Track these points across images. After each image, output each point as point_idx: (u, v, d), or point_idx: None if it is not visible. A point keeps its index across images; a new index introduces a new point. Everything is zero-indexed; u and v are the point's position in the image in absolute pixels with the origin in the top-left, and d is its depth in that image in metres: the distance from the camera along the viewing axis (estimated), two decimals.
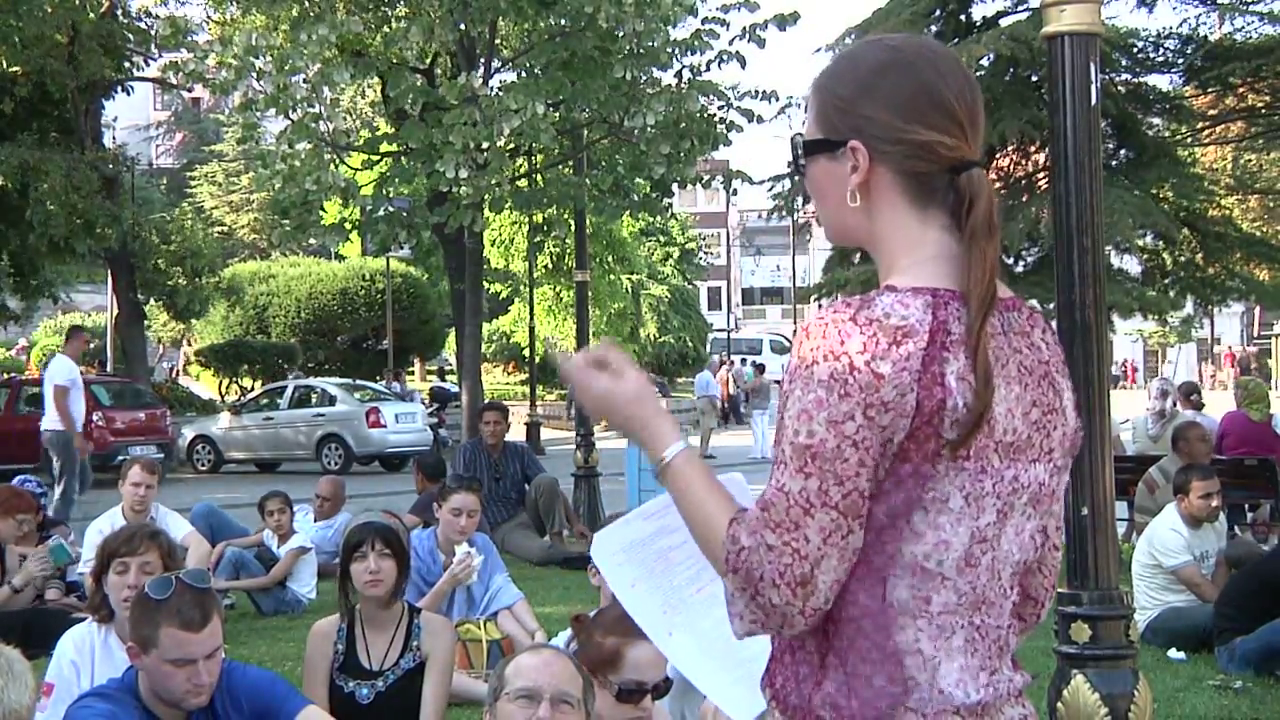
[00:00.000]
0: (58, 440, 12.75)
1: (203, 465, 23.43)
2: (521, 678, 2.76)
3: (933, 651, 1.66)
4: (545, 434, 24.99)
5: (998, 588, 1.70)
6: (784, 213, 17.48)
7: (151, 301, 27.20)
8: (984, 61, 13.73)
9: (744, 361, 37.77)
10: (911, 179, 1.71)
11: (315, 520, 9.91)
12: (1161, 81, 15.90)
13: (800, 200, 16.01)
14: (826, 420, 1.58)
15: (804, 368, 1.62)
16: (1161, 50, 15.28)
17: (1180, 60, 15.22)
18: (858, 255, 14.90)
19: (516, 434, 17.35)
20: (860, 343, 1.59)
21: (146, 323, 29.74)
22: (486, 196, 14.34)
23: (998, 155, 14.59)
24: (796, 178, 16.25)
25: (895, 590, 1.65)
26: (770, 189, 15.66)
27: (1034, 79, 13.80)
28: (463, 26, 14.71)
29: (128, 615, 4.07)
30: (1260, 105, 16.12)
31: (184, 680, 3.30)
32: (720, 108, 15.36)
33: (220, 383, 34.02)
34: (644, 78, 14.94)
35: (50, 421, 12.90)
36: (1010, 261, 14.25)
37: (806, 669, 1.69)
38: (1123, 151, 15.02)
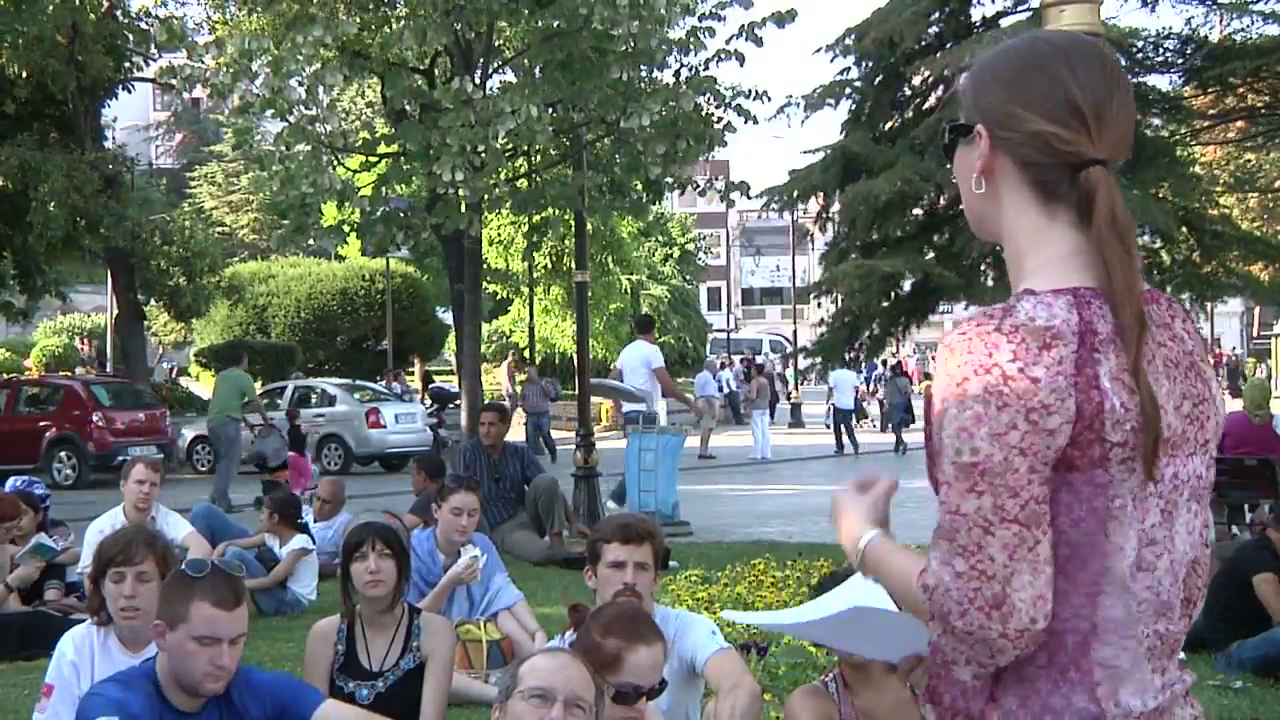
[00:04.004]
0: (654, 417, 13.36)
1: (203, 465, 23.38)
2: (536, 677, 2.75)
3: (1127, 664, 1.62)
4: None
5: (1177, 591, 1.66)
6: (780, 211, 17.44)
7: (152, 302, 27.21)
8: None
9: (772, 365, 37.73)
10: (1030, 170, 1.69)
11: (315, 521, 9.92)
12: (1161, 82, 15.90)
13: (798, 200, 15.97)
14: (989, 434, 1.55)
15: (954, 386, 1.58)
16: (1161, 50, 15.25)
17: (1180, 60, 15.20)
18: (854, 253, 14.86)
19: (516, 435, 17.35)
20: (1010, 351, 1.56)
21: (146, 323, 29.74)
22: (485, 197, 14.33)
23: None
24: (788, 182, 16.20)
25: (1104, 607, 1.61)
26: (766, 203, 15.62)
27: None
28: (458, 28, 14.67)
29: (124, 623, 4.08)
30: (1260, 105, 16.10)
31: (206, 661, 3.29)
32: (716, 106, 15.35)
33: None
34: (643, 78, 14.92)
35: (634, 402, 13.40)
36: None
37: (979, 682, 1.65)
38: None
